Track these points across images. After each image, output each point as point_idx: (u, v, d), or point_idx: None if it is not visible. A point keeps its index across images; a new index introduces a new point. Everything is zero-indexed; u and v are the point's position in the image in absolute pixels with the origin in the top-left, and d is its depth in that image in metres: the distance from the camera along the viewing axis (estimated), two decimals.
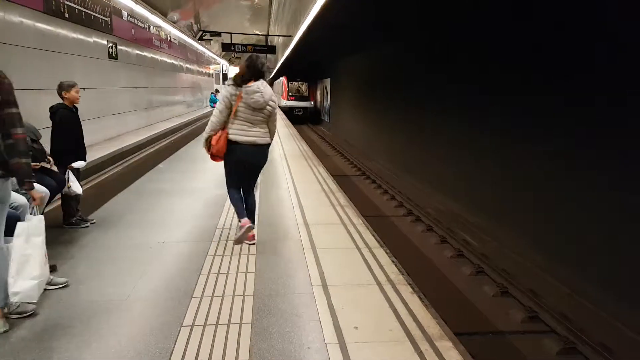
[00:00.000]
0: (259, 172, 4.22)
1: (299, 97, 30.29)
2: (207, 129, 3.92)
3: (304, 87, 31.04)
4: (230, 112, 3.82)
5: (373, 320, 2.85)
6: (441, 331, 2.74)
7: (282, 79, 31.44)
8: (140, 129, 11.17)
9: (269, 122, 3.99)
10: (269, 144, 4.06)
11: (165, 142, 11.58)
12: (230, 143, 3.84)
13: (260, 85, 3.81)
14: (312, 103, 30.57)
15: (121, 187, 6.27)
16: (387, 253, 4.04)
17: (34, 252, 2.67)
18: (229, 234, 4.46)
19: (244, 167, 4.00)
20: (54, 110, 4.38)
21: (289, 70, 34.03)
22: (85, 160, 4.59)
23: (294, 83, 30.88)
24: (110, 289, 3.22)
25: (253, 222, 4.23)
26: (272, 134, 4.07)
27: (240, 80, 3.80)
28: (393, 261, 3.84)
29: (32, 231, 2.69)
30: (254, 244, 4.17)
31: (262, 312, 2.93)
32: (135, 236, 4.37)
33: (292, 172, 7.74)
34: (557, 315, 5.02)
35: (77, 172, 4.52)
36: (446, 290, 6.06)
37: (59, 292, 3.14)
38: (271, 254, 3.96)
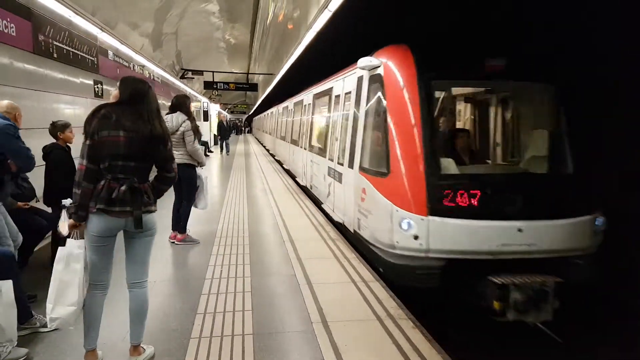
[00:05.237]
0: (184, 184, 5.19)
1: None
2: None
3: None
4: None
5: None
6: None
7: (352, 76, 5.69)
8: None
9: (186, 145, 5.10)
10: (187, 164, 5.13)
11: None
12: None
13: (174, 115, 5.07)
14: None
15: None
16: (383, 287, 4.02)
17: (73, 278, 2.57)
18: (221, 271, 4.40)
19: None
20: (48, 151, 4.30)
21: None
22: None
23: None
24: (104, 332, 3.09)
25: (183, 228, 5.36)
26: (192, 154, 5.16)
27: None
28: (391, 295, 3.82)
29: (72, 257, 2.59)
30: (173, 243, 5.30)
31: (264, 351, 2.87)
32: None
33: (279, 206, 7.72)
34: None
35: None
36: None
37: (53, 336, 3.03)
38: (266, 291, 3.91)
